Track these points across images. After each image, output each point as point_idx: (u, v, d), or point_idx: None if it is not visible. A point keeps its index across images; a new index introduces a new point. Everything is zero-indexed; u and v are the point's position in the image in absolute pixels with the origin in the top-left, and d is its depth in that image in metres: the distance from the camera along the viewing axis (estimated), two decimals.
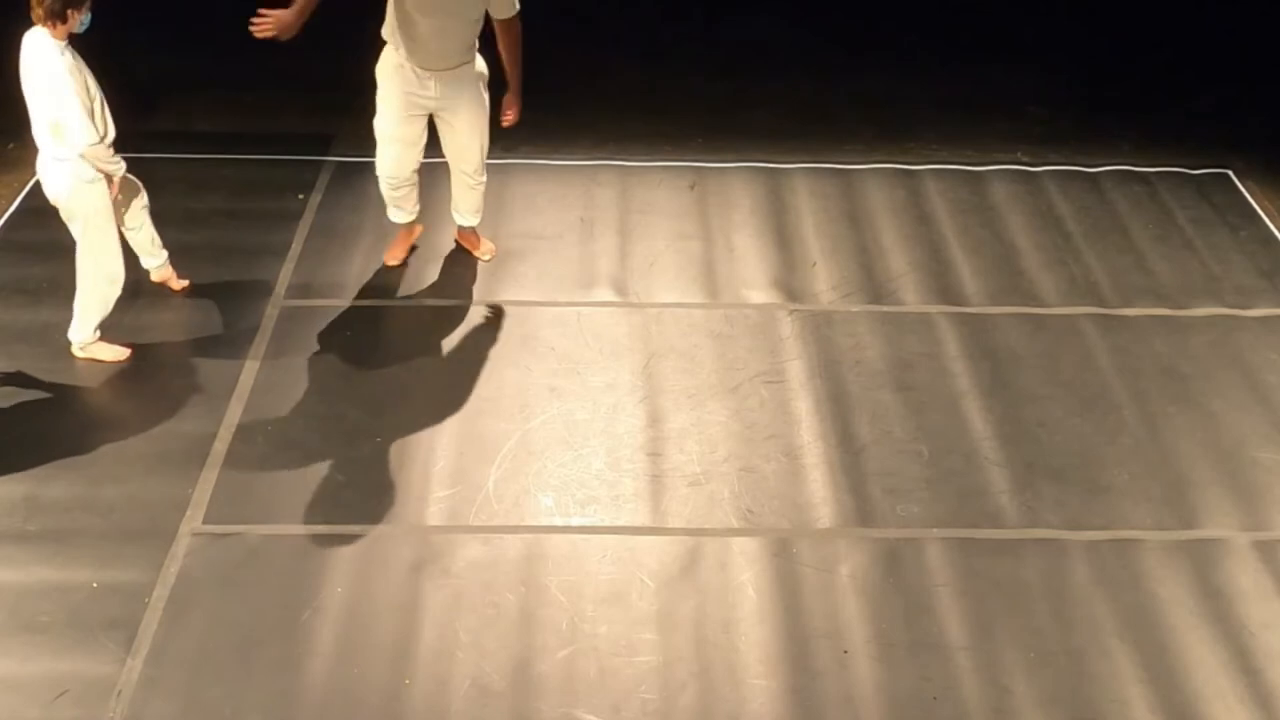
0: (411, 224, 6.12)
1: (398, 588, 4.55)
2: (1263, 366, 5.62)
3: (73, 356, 5.50)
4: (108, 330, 5.53)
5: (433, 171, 6.49)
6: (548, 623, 4.44)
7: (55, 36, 4.97)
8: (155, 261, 5.80)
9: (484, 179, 5.96)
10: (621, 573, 4.63)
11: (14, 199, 6.53)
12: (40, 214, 6.44)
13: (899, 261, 6.25)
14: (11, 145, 6.97)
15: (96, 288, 5.40)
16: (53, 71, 4.96)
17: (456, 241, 6.23)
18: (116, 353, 5.51)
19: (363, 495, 4.91)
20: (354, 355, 5.60)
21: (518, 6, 5.41)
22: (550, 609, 4.49)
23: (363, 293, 5.97)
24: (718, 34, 8.37)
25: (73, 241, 6.24)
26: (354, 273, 6.10)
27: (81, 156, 5.09)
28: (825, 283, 6.09)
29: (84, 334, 5.48)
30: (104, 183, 5.22)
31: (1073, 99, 7.67)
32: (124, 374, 5.44)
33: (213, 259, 6.10)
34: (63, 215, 5.33)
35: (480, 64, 5.62)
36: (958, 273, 6.17)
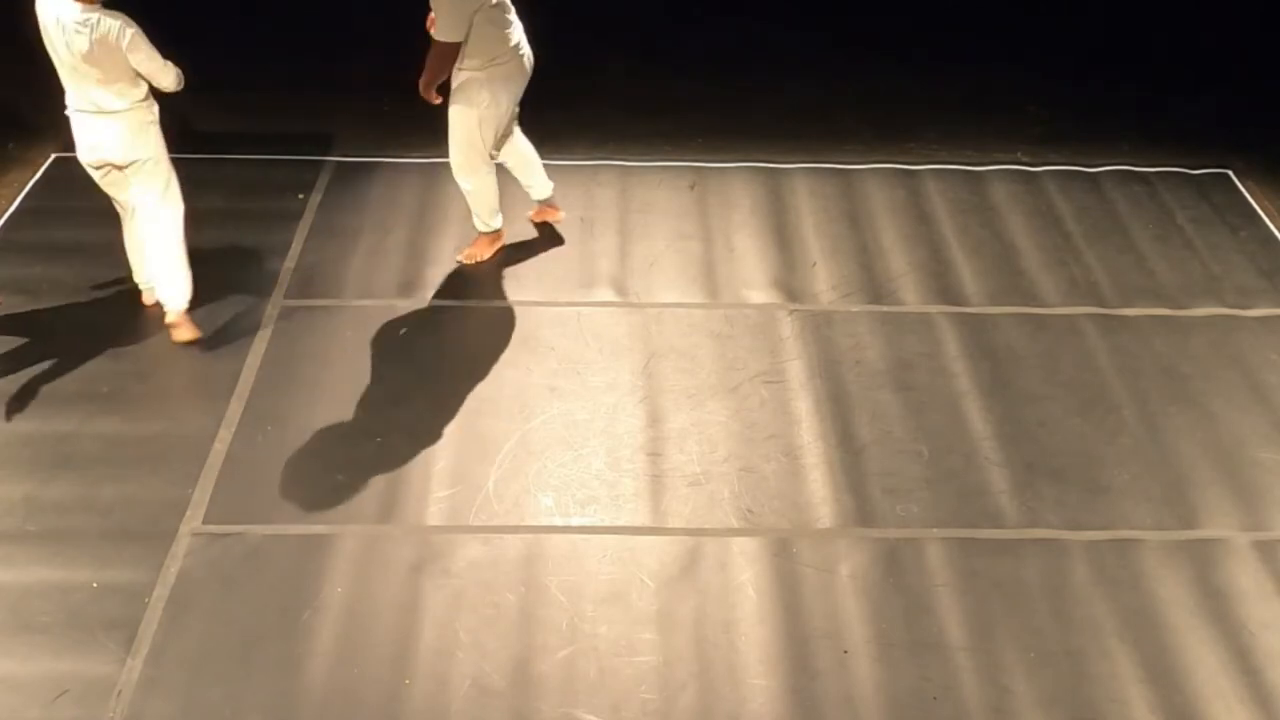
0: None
1: (398, 588, 4.55)
2: (1263, 366, 5.62)
3: (70, 358, 5.50)
4: (102, 328, 5.56)
5: (425, 174, 6.50)
6: (548, 623, 4.44)
7: (86, 3, 5.06)
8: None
9: (465, 186, 5.99)
10: (621, 573, 4.63)
11: (14, 199, 6.53)
12: (40, 214, 6.45)
13: (899, 261, 6.25)
14: (11, 145, 6.98)
15: (180, 234, 5.54)
16: (112, 26, 5.05)
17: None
18: (196, 332, 5.64)
19: (363, 495, 4.91)
20: (354, 355, 5.60)
21: (446, 37, 5.43)
22: (550, 609, 4.49)
23: (363, 293, 5.97)
24: (718, 34, 8.37)
25: (70, 241, 6.25)
26: (354, 273, 6.10)
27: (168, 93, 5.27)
28: (825, 283, 6.09)
29: (186, 297, 5.60)
30: (158, 125, 5.37)
31: (1073, 99, 7.67)
32: (124, 374, 5.44)
33: (213, 259, 6.09)
34: (129, 171, 5.39)
35: (471, 83, 5.63)
36: (958, 273, 6.17)
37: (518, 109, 5.94)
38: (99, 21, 5.04)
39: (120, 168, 5.38)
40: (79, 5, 5.03)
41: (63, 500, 4.86)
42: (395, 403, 5.34)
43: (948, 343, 5.73)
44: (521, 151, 6.14)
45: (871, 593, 4.57)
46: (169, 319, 5.60)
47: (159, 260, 5.54)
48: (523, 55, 5.69)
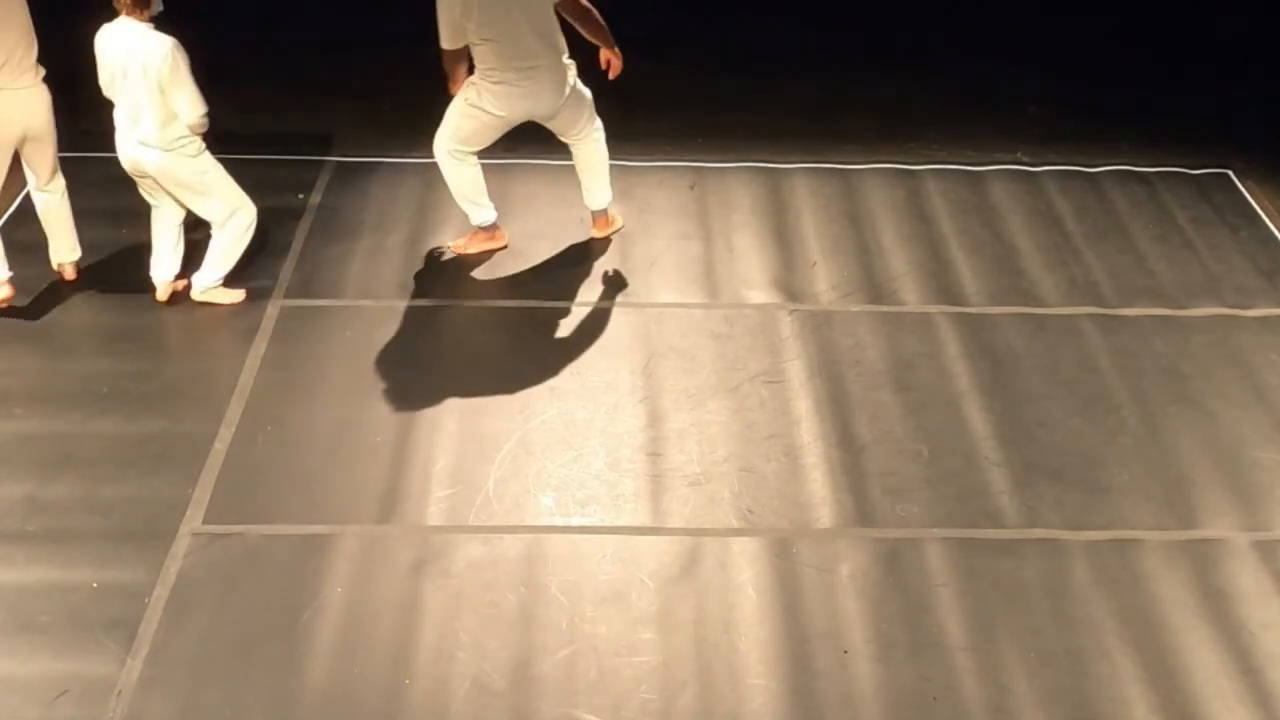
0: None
1: (398, 588, 4.55)
2: (1263, 366, 5.62)
3: (70, 358, 5.51)
4: (102, 328, 5.60)
5: (425, 174, 6.49)
6: (548, 623, 4.44)
7: (141, 21, 5.15)
8: (175, 269, 5.82)
9: (442, 171, 6.06)
10: (621, 573, 4.63)
11: (14, 199, 6.53)
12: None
13: (899, 261, 6.25)
14: None
15: (239, 239, 5.68)
16: (160, 53, 5.14)
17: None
18: (233, 296, 5.77)
19: (363, 495, 4.91)
20: (354, 355, 5.60)
21: (441, 43, 5.60)
22: (550, 609, 4.49)
23: (363, 293, 5.97)
24: (718, 34, 8.37)
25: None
26: (354, 273, 6.10)
27: (190, 128, 5.32)
28: (825, 283, 6.09)
29: (211, 280, 5.73)
30: (206, 151, 5.48)
31: (1073, 99, 7.67)
32: (124, 374, 5.44)
33: None
34: (171, 188, 5.54)
35: (471, 84, 5.79)
36: (958, 273, 6.17)
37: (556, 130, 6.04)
38: (147, 43, 5.14)
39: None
40: (130, 20, 5.14)
41: (63, 500, 4.86)
42: (395, 403, 5.34)
43: (948, 343, 5.73)
44: (583, 158, 6.18)
45: (871, 593, 4.57)
46: (196, 296, 5.77)
47: (214, 252, 5.71)
48: (529, 87, 5.72)
